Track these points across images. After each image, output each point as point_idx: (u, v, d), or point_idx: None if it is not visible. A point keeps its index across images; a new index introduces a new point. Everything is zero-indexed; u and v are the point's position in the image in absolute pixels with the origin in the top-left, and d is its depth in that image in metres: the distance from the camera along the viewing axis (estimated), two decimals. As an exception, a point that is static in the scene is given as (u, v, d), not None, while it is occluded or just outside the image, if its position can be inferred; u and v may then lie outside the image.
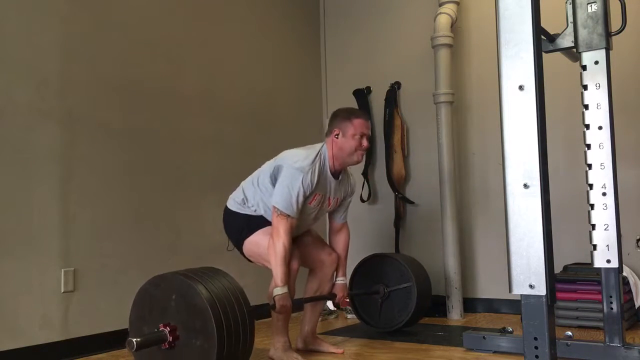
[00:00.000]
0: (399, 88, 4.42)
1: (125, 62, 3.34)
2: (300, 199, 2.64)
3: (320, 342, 2.95)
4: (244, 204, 2.80)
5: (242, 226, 2.79)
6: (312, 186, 2.66)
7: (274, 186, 2.69)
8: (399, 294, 3.34)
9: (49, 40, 2.99)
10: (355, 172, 4.40)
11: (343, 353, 2.87)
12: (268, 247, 2.63)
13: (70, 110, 3.05)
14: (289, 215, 2.62)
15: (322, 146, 2.79)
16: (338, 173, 2.82)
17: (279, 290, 2.58)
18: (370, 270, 3.43)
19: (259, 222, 2.76)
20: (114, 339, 3.04)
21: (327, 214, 3.02)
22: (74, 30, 3.10)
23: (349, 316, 4.01)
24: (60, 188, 2.98)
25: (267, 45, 4.36)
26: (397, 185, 4.31)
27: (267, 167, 2.79)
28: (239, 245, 2.82)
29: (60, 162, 2.99)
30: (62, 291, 2.93)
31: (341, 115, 2.81)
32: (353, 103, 4.53)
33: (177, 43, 3.66)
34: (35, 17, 2.95)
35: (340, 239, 3.00)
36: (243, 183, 2.88)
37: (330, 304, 4.09)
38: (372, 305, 3.41)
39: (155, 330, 2.11)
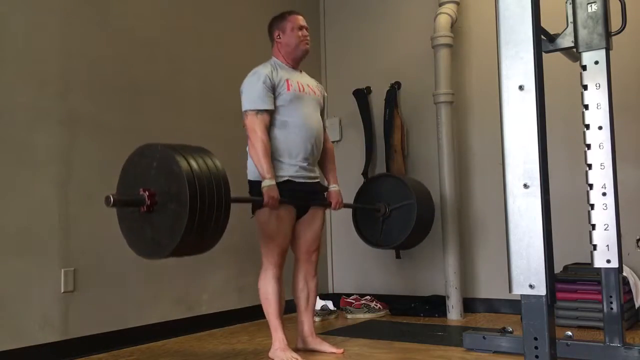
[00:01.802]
0: (399, 88, 4.42)
1: (126, 62, 3.34)
2: (266, 90, 2.74)
3: (319, 342, 2.95)
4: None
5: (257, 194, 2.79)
6: (272, 76, 2.77)
7: None
8: (401, 212, 3.34)
9: (49, 41, 2.99)
10: (356, 171, 4.42)
11: (343, 353, 2.87)
12: (248, 147, 2.75)
13: (70, 110, 3.05)
14: (259, 110, 2.72)
15: (271, 57, 2.93)
16: (297, 67, 2.94)
17: (267, 182, 2.65)
18: (376, 189, 3.46)
19: None
20: (114, 339, 3.04)
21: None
22: (74, 30, 3.10)
23: (349, 316, 4.02)
24: (61, 188, 2.98)
25: (267, 45, 4.35)
26: (397, 185, 4.31)
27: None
28: (253, 210, 2.83)
29: (60, 162, 2.99)
30: (62, 291, 2.93)
31: (276, 19, 2.95)
32: (353, 103, 4.54)
33: (177, 43, 3.66)
34: (35, 17, 2.95)
35: (324, 148, 3.00)
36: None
37: (330, 304, 4.09)
38: (375, 223, 3.42)
39: (135, 193, 2.18)
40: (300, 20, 2.92)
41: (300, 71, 2.98)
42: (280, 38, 2.91)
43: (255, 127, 2.71)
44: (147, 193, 2.15)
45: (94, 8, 3.22)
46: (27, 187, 2.85)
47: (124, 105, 3.31)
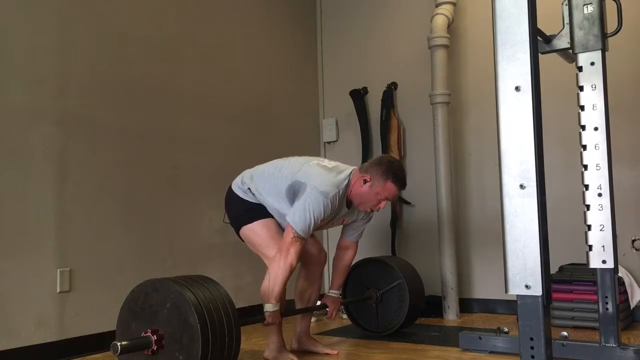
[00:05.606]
0: (395, 88, 4.43)
1: (122, 62, 3.34)
2: (317, 223, 2.63)
3: (315, 343, 2.95)
4: (248, 193, 2.80)
5: (242, 211, 2.79)
6: (330, 209, 2.64)
7: (288, 196, 2.68)
8: (392, 295, 3.33)
9: (45, 40, 2.99)
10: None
11: (337, 354, 2.87)
12: (273, 260, 2.62)
13: (66, 110, 3.05)
14: (303, 238, 2.62)
15: (350, 174, 2.74)
16: (351, 204, 2.81)
17: (270, 307, 2.59)
18: (361, 276, 3.41)
19: (260, 211, 2.76)
20: (110, 339, 3.02)
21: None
22: (70, 30, 3.10)
23: (344, 316, 4.01)
24: (56, 188, 2.97)
25: (264, 45, 4.36)
26: (394, 185, 4.31)
27: (287, 172, 2.72)
28: (236, 226, 2.82)
29: (56, 162, 2.98)
30: (57, 291, 2.93)
31: (382, 169, 2.70)
32: (350, 103, 4.54)
33: (173, 43, 3.66)
34: (32, 17, 2.94)
35: (345, 255, 3.03)
36: (246, 178, 2.83)
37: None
38: (368, 311, 3.39)
39: (143, 334, 2.14)
40: (393, 195, 2.73)
41: (352, 207, 2.81)
42: (366, 184, 2.69)
43: (292, 249, 2.58)
44: (155, 336, 2.11)
45: (90, 7, 3.21)
46: (23, 187, 2.84)
47: (120, 105, 3.30)
